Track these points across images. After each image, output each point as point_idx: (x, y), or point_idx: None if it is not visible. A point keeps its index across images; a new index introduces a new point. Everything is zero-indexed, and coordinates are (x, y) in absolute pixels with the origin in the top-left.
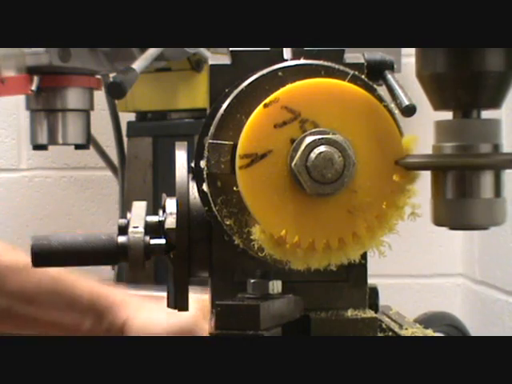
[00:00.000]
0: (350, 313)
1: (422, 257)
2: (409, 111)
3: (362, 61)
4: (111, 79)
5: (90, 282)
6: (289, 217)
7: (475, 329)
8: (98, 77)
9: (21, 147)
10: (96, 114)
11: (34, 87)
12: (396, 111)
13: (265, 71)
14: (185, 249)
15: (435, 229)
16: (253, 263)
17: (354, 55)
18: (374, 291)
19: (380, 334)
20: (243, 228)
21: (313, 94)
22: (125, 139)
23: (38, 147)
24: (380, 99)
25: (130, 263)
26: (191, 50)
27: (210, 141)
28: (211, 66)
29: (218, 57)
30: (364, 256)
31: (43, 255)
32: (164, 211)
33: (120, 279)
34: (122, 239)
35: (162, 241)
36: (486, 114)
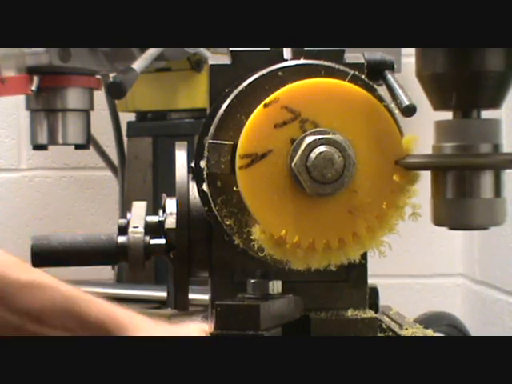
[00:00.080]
0: (350, 313)
1: (422, 257)
2: (409, 111)
3: (362, 61)
4: (111, 79)
5: (101, 302)
6: (289, 217)
7: (475, 329)
8: (98, 77)
9: (21, 147)
10: (96, 114)
11: (34, 87)
12: (396, 111)
13: (265, 71)
14: (185, 249)
15: (435, 229)
16: (253, 263)
17: (354, 55)
18: (374, 291)
19: (380, 334)
20: (243, 228)
21: (313, 94)
22: (125, 139)
23: (37, 147)
24: (380, 99)
25: (130, 263)
26: (191, 50)
27: (210, 141)
28: (211, 65)
29: (218, 57)
30: (364, 256)
31: (43, 255)
32: (164, 211)
33: (120, 279)
34: (121, 239)
35: (162, 241)
36: (486, 114)
